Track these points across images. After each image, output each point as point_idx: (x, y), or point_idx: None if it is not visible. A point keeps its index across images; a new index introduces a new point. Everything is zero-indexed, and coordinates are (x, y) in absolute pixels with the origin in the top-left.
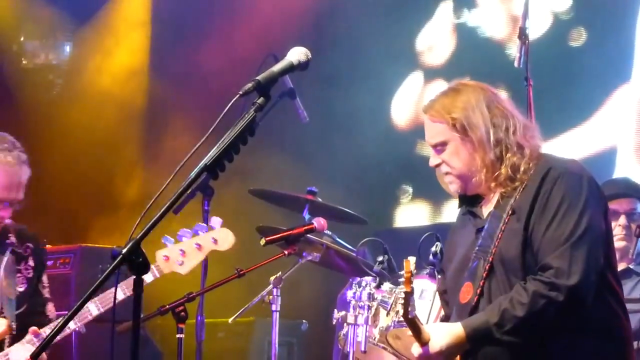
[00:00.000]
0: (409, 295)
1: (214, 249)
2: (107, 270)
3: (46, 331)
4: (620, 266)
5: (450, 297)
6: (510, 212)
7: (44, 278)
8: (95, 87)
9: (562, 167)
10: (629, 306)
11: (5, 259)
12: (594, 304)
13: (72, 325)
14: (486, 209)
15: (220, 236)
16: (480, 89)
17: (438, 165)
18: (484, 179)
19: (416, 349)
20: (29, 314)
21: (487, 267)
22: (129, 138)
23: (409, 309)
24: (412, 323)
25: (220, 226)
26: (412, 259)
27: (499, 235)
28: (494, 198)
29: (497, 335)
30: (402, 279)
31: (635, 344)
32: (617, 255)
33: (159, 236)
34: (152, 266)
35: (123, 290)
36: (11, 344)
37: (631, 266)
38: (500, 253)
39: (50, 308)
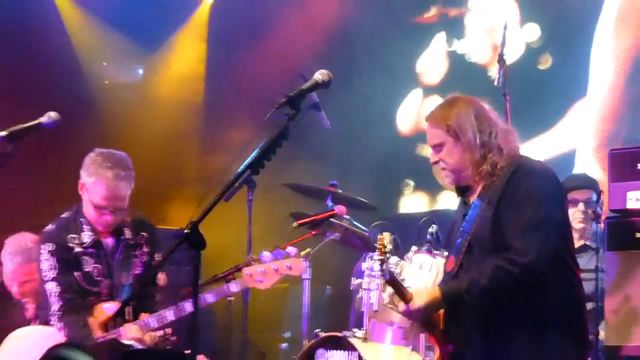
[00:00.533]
0: (383, 262)
1: (288, 274)
2: (173, 246)
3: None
4: (579, 243)
5: (447, 263)
6: (486, 201)
7: (156, 255)
8: (162, 101)
9: (528, 166)
10: (585, 275)
11: (117, 255)
12: (553, 277)
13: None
14: (472, 199)
15: (294, 264)
16: (470, 102)
17: (436, 162)
18: (471, 174)
19: (401, 306)
20: (142, 290)
21: (466, 245)
22: (190, 139)
23: (383, 273)
24: (392, 283)
25: (294, 255)
26: (386, 235)
27: (476, 220)
28: (478, 191)
29: (466, 298)
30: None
31: (589, 304)
32: (577, 235)
33: (211, 219)
34: (238, 279)
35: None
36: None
37: (587, 243)
38: (475, 235)
39: (160, 276)
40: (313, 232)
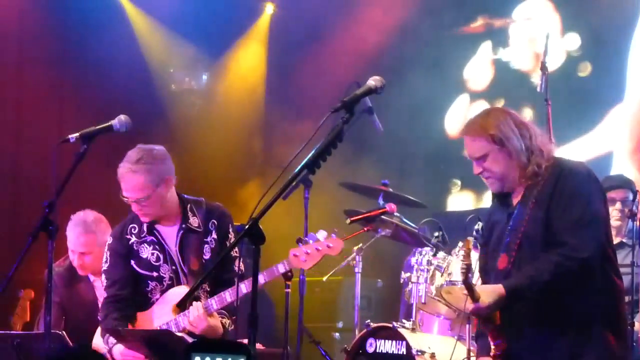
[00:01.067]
0: (468, 266)
1: (328, 253)
2: (234, 241)
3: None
4: (616, 240)
5: (490, 266)
6: (533, 201)
7: (227, 243)
8: (225, 105)
9: (572, 167)
10: (622, 270)
11: (177, 241)
12: (598, 271)
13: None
14: (515, 199)
15: (334, 243)
16: (503, 111)
17: (480, 173)
18: (517, 177)
19: (470, 305)
20: (218, 275)
21: (517, 243)
22: (251, 141)
23: (469, 276)
24: (468, 286)
25: (336, 236)
26: (471, 239)
27: (526, 219)
28: (521, 191)
29: (528, 294)
30: (463, 253)
31: (627, 298)
32: (614, 232)
33: (270, 216)
34: (284, 261)
35: (282, 267)
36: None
37: (624, 240)
38: (526, 233)
39: (237, 263)
40: (365, 229)
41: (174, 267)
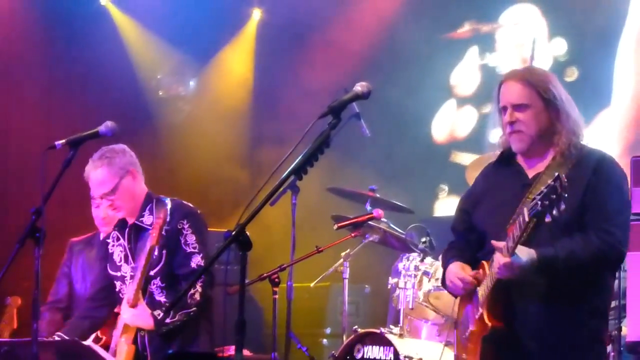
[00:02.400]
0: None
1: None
2: (221, 247)
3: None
4: None
5: (490, 227)
6: (564, 181)
7: (181, 237)
8: (212, 110)
9: (612, 160)
10: None
11: (131, 240)
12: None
13: None
14: (533, 170)
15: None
16: (553, 75)
17: (511, 123)
18: (544, 144)
19: (502, 259)
20: (172, 270)
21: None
22: (237, 146)
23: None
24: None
25: None
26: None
27: None
28: (542, 165)
29: (560, 268)
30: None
31: (613, 302)
32: None
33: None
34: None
35: None
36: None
37: None
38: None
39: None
40: (353, 234)
41: (132, 265)
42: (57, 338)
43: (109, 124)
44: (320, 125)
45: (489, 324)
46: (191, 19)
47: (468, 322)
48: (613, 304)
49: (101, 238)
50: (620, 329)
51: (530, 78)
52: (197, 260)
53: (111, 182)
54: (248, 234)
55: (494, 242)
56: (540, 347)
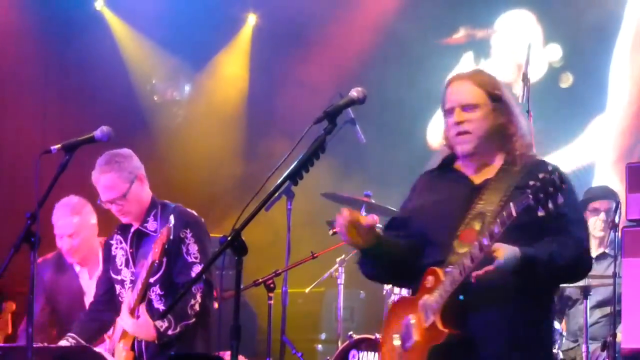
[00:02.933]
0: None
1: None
2: (217, 252)
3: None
4: (599, 250)
5: (436, 235)
6: (515, 186)
7: (183, 246)
8: (207, 115)
9: (564, 171)
10: (604, 280)
11: (133, 245)
12: None
13: None
14: (479, 176)
15: None
16: (501, 82)
17: (460, 124)
18: (495, 148)
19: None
20: (172, 278)
21: (492, 222)
22: (233, 151)
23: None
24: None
25: None
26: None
27: (503, 200)
28: (490, 170)
29: (539, 270)
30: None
31: (608, 309)
32: (597, 243)
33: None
34: None
35: None
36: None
37: (606, 250)
38: (502, 214)
39: (196, 269)
40: None
41: (132, 270)
42: (69, 340)
43: (104, 128)
44: (315, 130)
45: (445, 330)
46: (186, 24)
47: (408, 334)
48: (606, 310)
49: (76, 267)
50: (615, 335)
51: (478, 78)
52: (197, 270)
53: (123, 187)
54: (243, 238)
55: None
56: (499, 351)
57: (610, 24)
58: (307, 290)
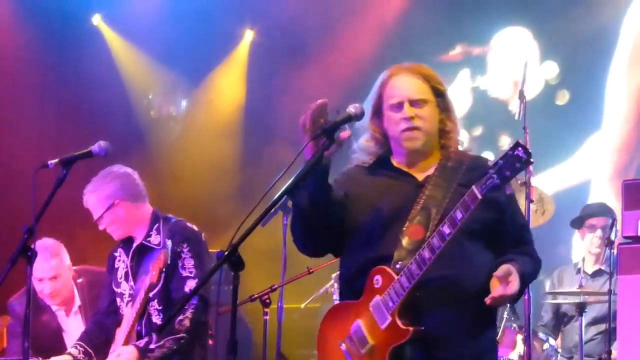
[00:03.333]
0: None
1: None
2: (213, 267)
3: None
4: (594, 267)
5: (380, 229)
6: (458, 183)
7: (179, 261)
8: (204, 130)
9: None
10: (600, 297)
11: (133, 259)
12: None
13: None
14: (420, 173)
15: None
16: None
17: (410, 119)
18: (436, 144)
19: (499, 290)
20: (169, 293)
21: (437, 218)
22: (229, 166)
23: None
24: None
25: None
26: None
27: (447, 197)
28: (428, 167)
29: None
30: None
31: (604, 326)
32: (593, 259)
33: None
34: None
35: None
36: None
37: (602, 267)
38: (447, 211)
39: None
40: None
41: (131, 284)
42: (78, 347)
43: (102, 143)
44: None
45: (410, 328)
46: (183, 39)
47: (360, 339)
48: (602, 327)
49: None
50: (610, 352)
51: (424, 72)
52: (191, 285)
53: (100, 209)
54: (240, 254)
55: (496, 273)
56: (458, 348)
57: (606, 42)
58: (302, 305)
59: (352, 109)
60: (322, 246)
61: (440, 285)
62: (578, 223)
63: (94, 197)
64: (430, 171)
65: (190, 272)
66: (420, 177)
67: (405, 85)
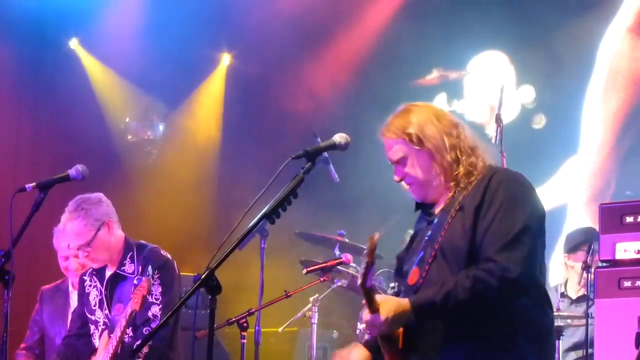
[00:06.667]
0: (369, 266)
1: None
2: (190, 291)
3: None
4: (580, 292)
5: (402, 280)
6: (457, 207)
7: (156, 290)
8: (181, 154)
9: (507, 174)
10: (577, 322)
11: (107, 287)
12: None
13: None
14: (438, 207)
15: None
16: (427, 106)
17: (401, 180)
18: (443, 180)
19: (366, 315)
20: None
21: (432, 254)
22: (206, 190)
23: (366, 279)
24: (367, 292)
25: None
26: (377, 235)
27: (445, 227)
28: (446, 197)
29: (439, 312)
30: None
31: (581, 352)
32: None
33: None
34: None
35: None
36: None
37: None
38: (444, 243)
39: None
40: (321, 279)
41: (106, 312)
42: None
43: (79, 167)
44: (290, 169)
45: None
46: (160, 63)
47: None
48: (581, 353)
49: (70, 288)
50: None
51: (392, 128)
52: (154, 310)
53: (88, 234)
54: (217, 277)
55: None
56: None
57: (582, 66)
58: (280, 329)
59: (338, 137)
60: None
61: (427, 330)
62: (573, 248)
63: (80, 222)
64: (443, 204)
65: (156, 299)
66: (436, 212)
67: (386, 148)
